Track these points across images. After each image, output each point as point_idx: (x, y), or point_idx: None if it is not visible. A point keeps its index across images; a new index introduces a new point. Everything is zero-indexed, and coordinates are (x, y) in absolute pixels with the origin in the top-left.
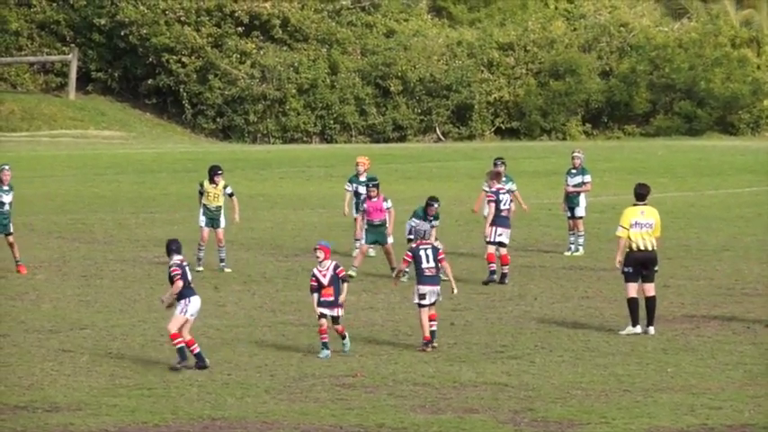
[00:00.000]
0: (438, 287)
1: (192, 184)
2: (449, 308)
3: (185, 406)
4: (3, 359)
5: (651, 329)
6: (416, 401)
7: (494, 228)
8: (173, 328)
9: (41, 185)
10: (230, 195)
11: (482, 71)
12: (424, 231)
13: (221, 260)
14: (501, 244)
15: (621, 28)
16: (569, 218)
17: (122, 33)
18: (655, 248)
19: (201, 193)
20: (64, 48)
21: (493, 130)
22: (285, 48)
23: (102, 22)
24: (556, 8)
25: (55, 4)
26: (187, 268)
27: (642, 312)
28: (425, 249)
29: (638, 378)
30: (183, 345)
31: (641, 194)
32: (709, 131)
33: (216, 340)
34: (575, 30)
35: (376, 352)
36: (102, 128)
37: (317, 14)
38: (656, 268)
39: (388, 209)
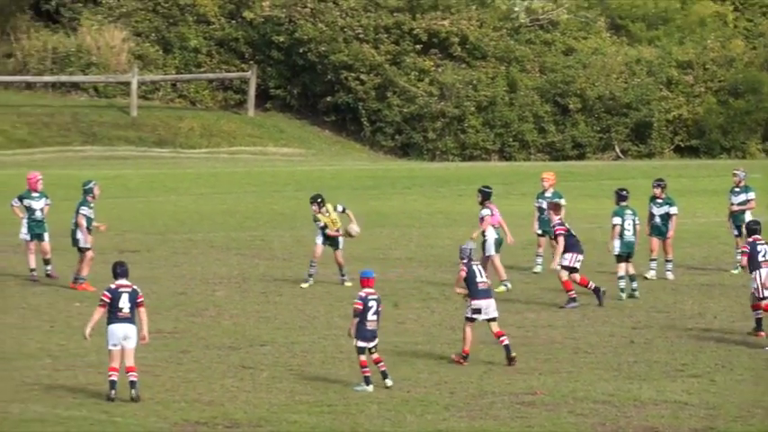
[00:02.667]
0: (493, 300)
1: (372, 202)
2: (629, 326)
3: (365, 423)
4: (183, 375)
5: None
6: (596, 419)
7: (573, 254)
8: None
9: (220, 202)
10: (343, 211)
11: (661, 89)
12: (470, 250)
13: (342, 275)
14: (575, 269)
15: None
16: (736, 236)
17: (301, 51)
18: None
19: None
20: (243, 65)
21: (672, 148)
22: (463, 65)
23: (281, 39)
24: (735, 26)
25: (234, 22)
26: (124, 295)
27: None
28: (477, 264)
29: None
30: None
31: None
32: None
33: (396, 357)
34: (754, 48)
35: (555, 369)
36: (280, 145)
37: (496, 32)
38: None
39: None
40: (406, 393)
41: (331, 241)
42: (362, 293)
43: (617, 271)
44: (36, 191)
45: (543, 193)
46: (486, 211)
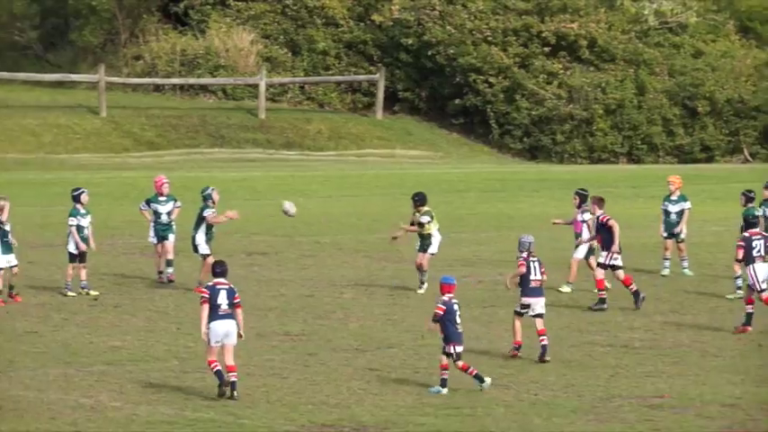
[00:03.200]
0: (543, 299)
1: (500, 204)
2: (758, 329)
3: (492, 425)
4: (310, 378)
5: None
6: (723, 423)
7: (610, 253)
8: (207, 355)
9: (348, 204)
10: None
11: None
12: (530, 243)
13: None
14: (615, 267)
15: None
16: None
17: (429, 53)
18: None
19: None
20: (371, 67)
21: None
22: (592, 68)
23: (410, 41)
24: None
25: (362, 24)
26: (222, 292)
27: None
28: (534, 261)
29: None
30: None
31: None
32: None
33: (523, 360)
34: None
35: (683, 373)
36: (408, 147)
37: (624, 35)
38: None
39: None
40: (534, 396)
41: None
42: (445, 297)
43: (735, 271)
44: (162, 194)
45: (669, 196)
46: (588, 215)
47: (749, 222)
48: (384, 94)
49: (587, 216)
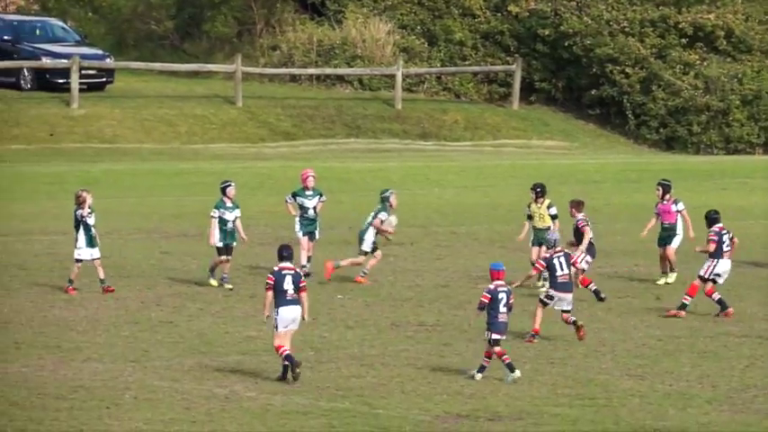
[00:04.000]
0: (571, 294)
1: (636, 195)
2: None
3: (627, 416)
4: (446, 367)
5: None
6: None
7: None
8: (274, 341)
9: (484, 195)
10: (554, 217)
11: None
12: (555, 240)
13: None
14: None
15: None
16: None
17: (566, 44)
18: None
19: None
20: (508, 58)
21: None
22: (728, 59)
23: (547, 32)
24: None
25: (500, 15)
26: (288, 277)
27: None
28: (559, 257)
29: None
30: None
31: None
32: None
33: (658, 351)
34: None
35: None
36: (544, 138)
37: (762, 26)
38: None
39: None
40: (669, 387)
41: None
42: (492, 286)
43: None
44: (308, 188)
45: None
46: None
47: (712, 218)
48: (520, 85)
49: (681, 206)
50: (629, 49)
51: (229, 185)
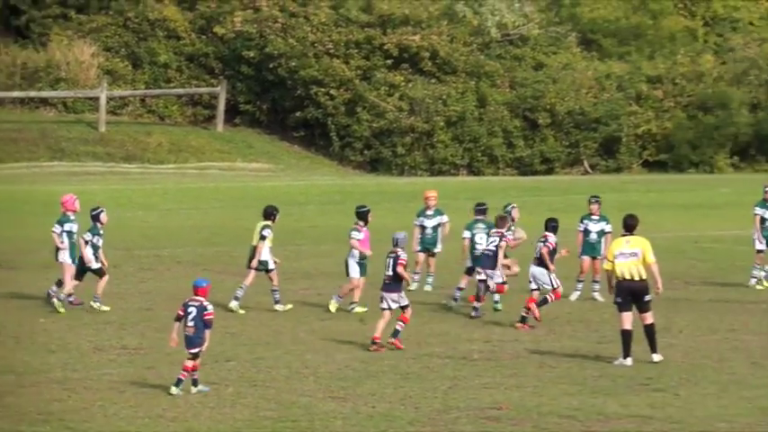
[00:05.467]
0: (395, 294)
1: (340, 217)
2: (594, 340)
3: None
4: (148, 391)
5: (655, 357)
6: None
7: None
8: None
9: (188, 217)
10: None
11: (630, 104)
12: (397, 240)
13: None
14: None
15: None
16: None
17: (271, 66)
18: (643, 277)
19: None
20: (212, 80)
21: (640, 162)
22: (433, 80)
23: (251, 54)
24: (705, 41)
25: (204, 37)
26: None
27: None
28: (390, 257)
29: None
30: None
31: (629, 225)
32: None
33: (361, 372)
34: (723, 63)
35: (521, 384)
36: (249, 160)
37: (466, 47)
38: (647, 297)
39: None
40: (371, 409)
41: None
42: (187, 299)
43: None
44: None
45: (425, 211)
46: (357, 234)
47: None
48: (225, 107)
49: (358, 235)
50: (334, 71)
51: (102, 211)
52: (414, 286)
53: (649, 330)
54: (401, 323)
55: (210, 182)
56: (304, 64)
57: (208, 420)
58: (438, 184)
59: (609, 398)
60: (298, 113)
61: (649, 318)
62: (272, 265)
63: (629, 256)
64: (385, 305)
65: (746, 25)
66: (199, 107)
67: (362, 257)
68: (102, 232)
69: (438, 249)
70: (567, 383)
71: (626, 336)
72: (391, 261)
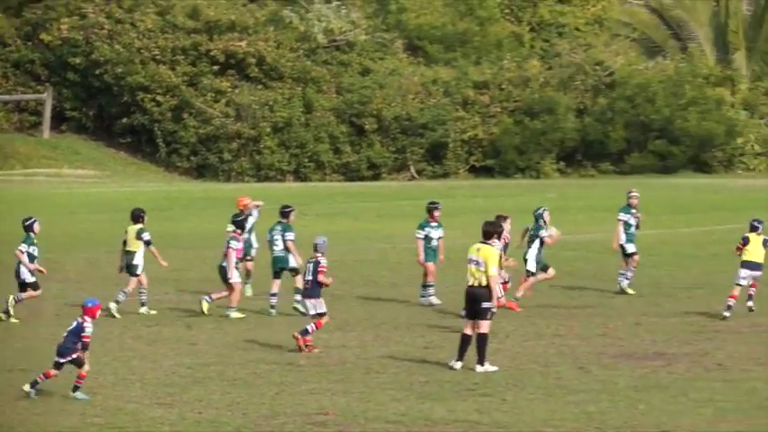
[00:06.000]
0: (314, 300)
1: (166, 223)
2: (421, 345)
3: None
4: None
5: (478, 367)
6: None
7: None
8: None
9: (13, 224)
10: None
11: (457, 109)
12: (316, 245)
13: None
14: None
15: (596, 66)
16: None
17: (97, 72)
18: (482, 285)
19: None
20: (38, 87)
21: (467, 168)
22: (260, 86)
23: (77, 61)
24: (531, 47)
25: (30, 43)
26: None
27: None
28: (310, 262)
29: (609, 415)
30: None
31: (484, 232)
32: (682, 170)
33: (188, 379)
34: (550, 68)
35: (348, 390)
36: (76, 167)
37: (293, 53)
38: (485, 305)
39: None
40: (198, 415)
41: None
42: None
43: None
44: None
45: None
46: (235, 244)
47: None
48: (51, 114)
49: (236, 244)
50: (161, 77)
51: (35, 221)
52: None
53: (480, 340)
54: (313, 326)
55: (36, 188)
56: (130, 70)
57: (35, 427)
58: (264, 191)
59: (436, 403)
60: (124, 120)
61: (484, 327)
62: (140, 270)
63: (474, 264)
64: (304, 309)
65: (572, 31)
66: (25, 114)
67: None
68: (36, 242)
69: None
70: (394, 389)
71: (461, 339)
72: (311, 266)
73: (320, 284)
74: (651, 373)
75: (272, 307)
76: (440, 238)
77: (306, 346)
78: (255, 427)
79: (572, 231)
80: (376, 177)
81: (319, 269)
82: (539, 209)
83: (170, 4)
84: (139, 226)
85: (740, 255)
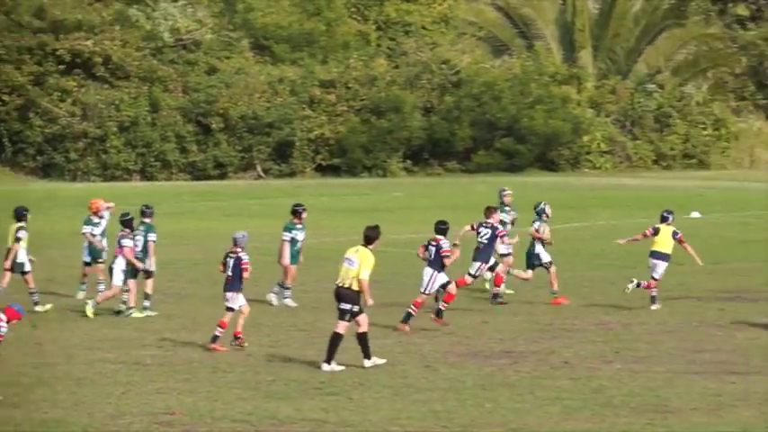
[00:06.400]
0: (233, 294)
1: (12, 222)
2: (267, 344)
3: None
4: None
5: (324, 366)
6: None
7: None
8: None
9: None
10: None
11: (303, 108)
12: (235, 239)
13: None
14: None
15: (443, 65)
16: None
17: None
18: (350, 286)
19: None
20: None
21: (314, 167)
22: (106, 86)
23: None
24: (378, 45)
25: None
26: None
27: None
28: (231, 257)
29: (456, 414)
30: None
31: (366, 237)
32: (529, 168)
33: (33, 378)
34: (396, 67)
35: (194, 389)
36: None
37: (139, 52)
38: (343, 306)
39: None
40: (44, 414)
41: None
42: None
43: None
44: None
45: (91, 219)
46: (128, 242)
47: (439, 229)
48: None
49: (128, 243)
50: (6, 77)
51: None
52: None
53: (333, 339)
54: (220, 328)
55: None
56: None
57: None
58: (110, 190)
59: (282, 402)
60: None
61: (340, 328)
62: (28, 267)
63: (348, 262)
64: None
65: (419, 29)
66: None
67: (129, 264)
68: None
69: None
70: (241, 388)
71: (331, 338)
72: (232, 261)
73: (242, 279)
74: (498, 372)
75: (124, 303)
76: (303, 239)
77: (236, 338)
78: (102, 427)
79: (417, 231)
80: (223, 176)
81: (242, 265)
82: (539, 204)
83: (15, 2)
84: (20, 225)
85: (644, 237)
